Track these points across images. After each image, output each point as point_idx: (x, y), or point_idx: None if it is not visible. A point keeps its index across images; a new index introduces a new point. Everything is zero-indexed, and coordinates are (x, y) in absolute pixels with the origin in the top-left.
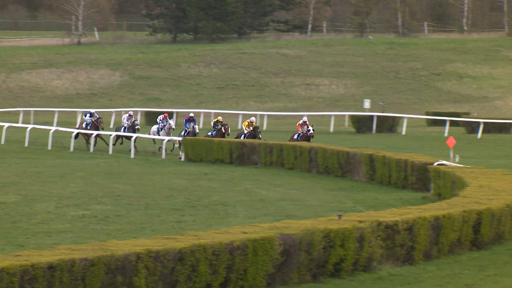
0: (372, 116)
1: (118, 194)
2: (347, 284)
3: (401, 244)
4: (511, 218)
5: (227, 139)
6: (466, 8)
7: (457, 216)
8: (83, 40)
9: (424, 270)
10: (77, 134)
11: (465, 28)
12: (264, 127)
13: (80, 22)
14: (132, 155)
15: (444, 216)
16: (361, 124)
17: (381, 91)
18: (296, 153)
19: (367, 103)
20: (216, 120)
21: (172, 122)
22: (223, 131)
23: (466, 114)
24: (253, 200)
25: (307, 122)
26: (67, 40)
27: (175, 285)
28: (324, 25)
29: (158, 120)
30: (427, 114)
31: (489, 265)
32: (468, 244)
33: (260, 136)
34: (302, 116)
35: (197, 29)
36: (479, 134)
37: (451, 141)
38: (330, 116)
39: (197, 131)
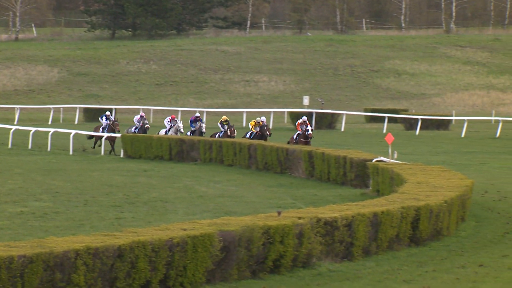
0: (311, 113)
1: (57, 191)
2: (287, 280)
3: (340, 240)
4: (449, 214)
5: (166, 136)
6: (404, 5)
7: (395, 213)
8: (20, 36)
9: (363, 266)
10: (91, 136)
11: (403, 25)
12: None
13: (17, 18)
14: (71, 152)
15: (382, 212)
16: None
17: (320, 88)
18: (236, 149)
19: (306, 100)
20: (221, 120)
21: (180, 125)
22: (229, 133)
23: (404, 111)
24: (192, 197)
25: (307, 121)
26: (4, 36)
27: (114, 281)
28: (263, 22)
29: (165, 122)
30: (366, 110)
31: (428, 261)
32: (406, 240)
33: (270, 133)
34: (241, 112)
35: (136, 25)
36: (417, 131)
37: (390, 138)
38: (269, 112)
39: (204, 130)
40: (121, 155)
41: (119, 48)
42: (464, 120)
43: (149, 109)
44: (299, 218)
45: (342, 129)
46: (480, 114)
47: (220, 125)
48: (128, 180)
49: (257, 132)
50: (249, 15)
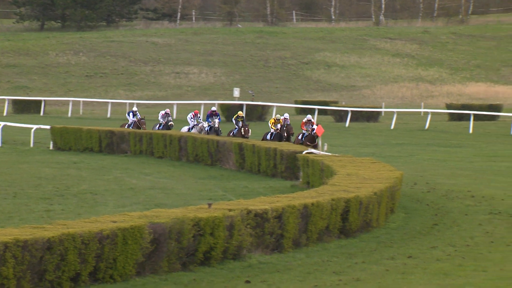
0: (241, 105)
1: None
2: (217, 272)
3: (270, 232)
4: (378, 206)
5: (96, 127)
6: None
7: (325, 204)
8: None
9: (293, 258)
10: None
11: (333, 17)
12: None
13: None
14: (0, 144)
15: (312, 204)
16: (231, 113)
17: (251, 80)
18: (166, 141)
19: (236, 92)
20: (236, 115)
21: (205, 124)
22: (243, 133)
23: (334, 103)
24: (122, 189)
25: (312, 120)
26: None
27: (44, 274)
28: (193, 13)
29: (188, 119)
30: (296, 102)
31: (357, 253)
32: (336, 232)
33: (292, 132)
34: (172, 104)
35: (65, 16)
36: (347, 123)
37: (320, 130)
38: (200, 104)
39: (217, 125)
40: (51, 147)
41: (49, 40)
42: (393, 112)
43: (79, 101)
44: (230, 210)
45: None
46: (409, 106)
47: (234, 121)
48: (58, 172)
49: (277, 130)
50: (179, 6)
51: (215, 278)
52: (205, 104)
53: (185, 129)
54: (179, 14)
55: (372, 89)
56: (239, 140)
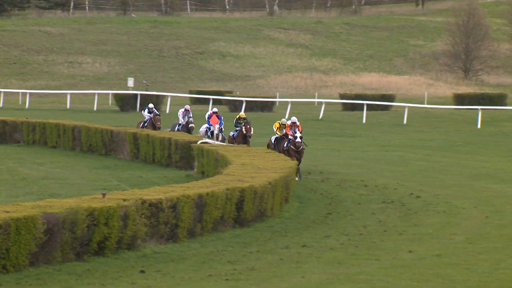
0: (136, 95)
1: None
2: (111, 262)
3: (165, 222)
4: (273, 195)
5: None
6: None
7: (220, 194)
8: None
9: (188, 248)
10: None
11: (228, 7)
12: (27, 106)
13: None
14: None
15: (207, 194)
16: (125, 103)
17: (145, 70)
18: (60, 131)
19: (131, 82)
20: (238, 117)
21: (203, 127)
22: (244, 131)
23: (229, 93)
24: (15, 179)
25: (297, 123)
26: None
27: None
28: (87, 2)
29: (179, 114)
30: (191, 92)
31: (252, 242)
32: (231, 221)
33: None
34: (65, 94)
35: None
36: (242, 113)
37: (215, 120)
38: (94, 94)
39: (217, 131)
40: None
41: None
42: (287, 102)
43: None
44: (124, 200)
45: (167, 111)
46: (303, 96)
47: (235, 123)
48: None
49: (283, 136)
50: None
51: (110, 268)
52: (99, 93)
53: (203, 128)
54: (72, 3)
55: (267, 79)
56: (134, 130)
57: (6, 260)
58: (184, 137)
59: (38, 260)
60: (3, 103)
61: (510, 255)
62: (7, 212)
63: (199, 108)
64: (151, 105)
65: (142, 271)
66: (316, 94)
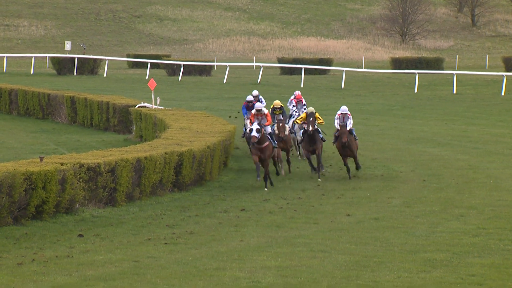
0: (73, 58)
1: None
2: (49, 226)
3: (103, 186)
4: (211, 159)
5: None
6: None
7: (158, 158)
8: None
9: (127, 212)
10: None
11: None
12: None
13: None
14: None
15: (146, 158)
16: (62, 66)
17: (82, 33)
18: None
19: (68, 45)
20: (273, 106)
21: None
22: (276, 131)
23: (167, 57)
24: None
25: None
26: None
27: None
28: None
29: (289, 105)
30: (128, 56)
31: (191, 206)
32: (169, 185)
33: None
34: (2, 57)
35: None
36: (180, 77)
37: (152, 84)
38: (30, 58)
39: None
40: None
41: None
42: (226, 66)
43: None
44: (62, 164)
45: (105, 75)
46: (241, 60)
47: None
48: None
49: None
50: None
51: (48, 232)
52: (35, 57)
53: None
54: None
55: (205, 43)
56: (71, 93)
57: None
58: (121, 100)
59: None
60: None
61: (447, 219)
62: None
63: (137, 72)
64: (254, 93)
65: (81, 235)
66: (254, 58)
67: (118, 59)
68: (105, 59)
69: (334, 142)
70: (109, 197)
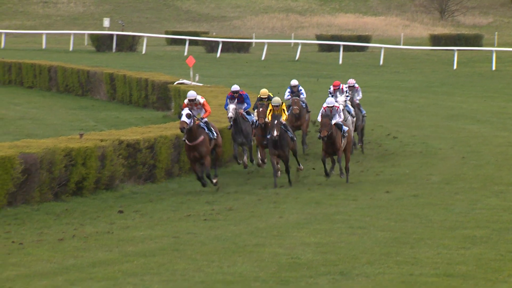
0: (112, 35)
1: None
2: (90, 202)
3: (143, 163)
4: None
5: None
6: None
7: None
8: None
9: (166, 188)
10: None
11: None
12: (3, 45)
13: None
14: None
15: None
16: (101, 43)
17: (120, 10)
18: (36, 71)
19: (106, 22)
20: (259, 96)
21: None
22: (256, 117)
23: (205, 34)
24: None
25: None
26: None
27: None
28: None
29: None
30: (167, 33)
31: (230, 183)
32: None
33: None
34: (41, 34)
35: None
36: (219, 53)
37: (191, 60)
38: (69, 35)
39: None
40: None
41: None
42: (264, 43)
43: None
44: (101, 140)
45: (144, 52)
46: (279, 37)
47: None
48: None
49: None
50: None
51: (88, 208)
52: (74, 34)
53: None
54: None
55: (243, 20)
56: (110, 70)
57: None
58: (160, 77)
59: (16, 200)
60: None
61: (486, 195)
62: None
63: (176, 49)
64: (294, 82)
65: (121, 211)
66: (293, 35)
67: (157, 36)
68: (144, 36)
69: (319, 137)
70: (149, 173)
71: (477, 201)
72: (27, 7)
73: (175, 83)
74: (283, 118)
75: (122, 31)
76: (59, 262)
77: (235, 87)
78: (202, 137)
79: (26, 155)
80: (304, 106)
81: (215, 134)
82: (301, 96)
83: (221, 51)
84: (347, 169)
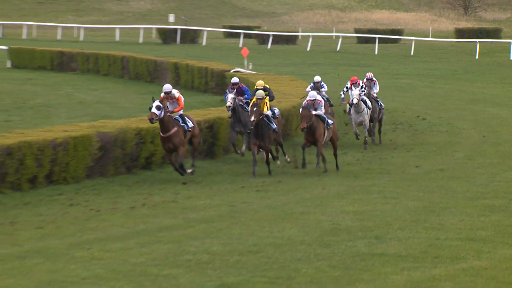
0: (176, 29)
1: None
2: (157, 175)
3: (203, 141)
4: (296, 118)
5: (48, 48)
6: None
7: None
8: None
9: (224, 163)
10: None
11: None
12: (82, 38)
13: None
14: None
15: None
16: (167, 36)
17: (184, 7)
18: (110, 61)
19: (172, 18)
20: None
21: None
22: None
23: (258, 28)
24: (73, 103)
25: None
26: None
27: (5, 176)
28: None
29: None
30: (224, 27)
31: (279, 157)
32: None
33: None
34: (115, 28)
35: None
36: (269, 45)
37: (245, 51)
38: (139, 29)
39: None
40: (8, 65)
41: None
42: (309, 36)
43: (32, 25)
44: None
45: (204, 44)
46: (322, 30)
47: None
48: (15, 88)
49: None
50: None
51: (156, 180)
52: (144, 28)
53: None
54: None
55: (290, 15)
56: (175, 60)
57: (66, 173)
58: (218, 66)
59: (93, 173)
60: (61, 36)
61: (504, 169)
62: (66, 131)
63: (232, 41)
64: (317, 78)
65: (184, 183)
66: (334, 29)
67: (215, 30)
68: (204, 30)
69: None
70: (208, 150)
71: (496, 174)
72: (103, 4)
73: (231, 71)
74: (264, 110)
75: (185, 25)
76: (131, 227)
77: (235, 79)
78: (175, 129)
79: (102, 134)
80: (326, 100)
81: (190, 126)
82: (322, 90)
83: (272, 43)
84: (335, 155)
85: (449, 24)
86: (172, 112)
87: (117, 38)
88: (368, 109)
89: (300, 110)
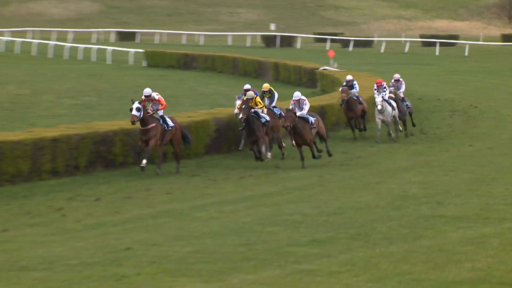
0: (276, 36)
1: (99, 90)
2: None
3: None
4: (368, 106)
5: (176, 50)
6: None
7: (335, 104)
8: None
9: (319, 145)
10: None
11: None
12: (202, 43)
13: None
14: (109, 62)
15: (327, 105)
16: (269, 41)
17: (282, 18)
18: (224, 61)
19: (272, 26)
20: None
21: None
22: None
23: (341, 34)
24: (194, 94)
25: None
26: None
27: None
28: None
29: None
30: (314, 34)
31: (359, 138)
32: (343, 124)
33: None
34: (227, 35)
35: None
36: (351, 48)
37: (331, 53)
38: (247, 35)
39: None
40: (144, 65)
41: None
42: (382, 40)
43: (163, 33)
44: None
45: (298, 47)
46: (394, 36)
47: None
48: (150, 82)
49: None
50: None
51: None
52: (250, 35)
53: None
54: None
55: (367, 24)
56: (275, 60)
57: (189, 150)
58: (309, 65)
59: (211, 150)
60: (185, 41)
61: None
62: (190, 117)
63: (320, 45)
64: (349, 77)
65: (282, 158)
66: (403, 35)
67: (307, 36)
68: (298, 36)
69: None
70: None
71: None
72: (218, 16)
73: (320, 69)
74: (259, 106)
75: (284, 32)
76: (240, 193)
77: (247, 86)
78: (153, 124)
79: (218, 119)
80: (356, 99)
81: (170, 126)
82: (354, 90)
83: (352, 46)
84: (326, 145)
85: (496, 30)
86: (157, 110)
87: (229, 42)
88: (393, 110)
89: (285, 110)
